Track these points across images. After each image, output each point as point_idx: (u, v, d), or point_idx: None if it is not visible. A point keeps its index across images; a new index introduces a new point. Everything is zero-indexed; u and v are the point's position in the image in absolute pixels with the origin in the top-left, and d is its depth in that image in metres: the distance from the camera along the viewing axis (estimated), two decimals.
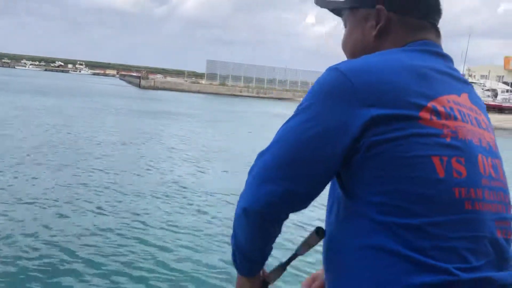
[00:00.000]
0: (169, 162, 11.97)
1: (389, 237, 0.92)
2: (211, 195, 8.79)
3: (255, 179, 1.02)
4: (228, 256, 5.80)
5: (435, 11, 1.13)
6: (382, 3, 1.10)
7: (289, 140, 1.00)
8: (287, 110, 39.71)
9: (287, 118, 1.04)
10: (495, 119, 32.95)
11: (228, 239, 6.45)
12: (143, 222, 6.88)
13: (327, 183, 1.03)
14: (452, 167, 0.93)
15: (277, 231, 1.09)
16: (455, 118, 0.98)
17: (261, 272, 1.22)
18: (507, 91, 51.28)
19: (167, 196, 8.48)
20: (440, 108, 0.97)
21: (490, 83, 52.37)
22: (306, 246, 1.16)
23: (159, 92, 60.14)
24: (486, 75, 57.84)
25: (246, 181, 1.05)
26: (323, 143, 0.96)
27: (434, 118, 0.95)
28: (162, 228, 6.69)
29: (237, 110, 35.93)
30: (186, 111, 30.18)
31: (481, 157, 0.98)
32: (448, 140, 0.95)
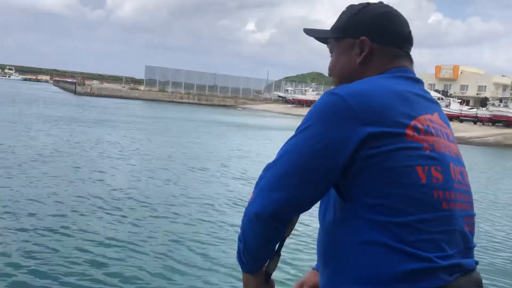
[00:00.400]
0: (111, 171, 11.49)
1: (383, 233, 1.12)
2: (149, 205, 8.50)
3: (266, 187, 1.18)
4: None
5: (409, 42, 1.33)
6: (366, 34, 1.29)
7: (297, 153, 1.16)
8: (228, 116, 39.50)
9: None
10: None
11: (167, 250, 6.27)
12: (76, 234, 6.49)
13: (329, 189, 1.21)
14: (431, 174, 1.14)
15: (284, 230, 1.24)
16: (432, 134, 1.18)
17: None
18: (439, 98, 54.32)
19: (103, 208, 8.09)
20: (420, 126, 1.17)
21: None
22: (290, 228, 1.30)
23: (97, 98, 58.22)
24: None
25: (256, 190, 1.20)
26: (328, 155, 1.14)
27: (416, 134, 1.15)
28: (100, 242, 6.34)
29: (180, 117, 35.43)
30: (128, 119, 29.35)
31: (452, 165, 1.20)
32: (427, 152, 1.16)
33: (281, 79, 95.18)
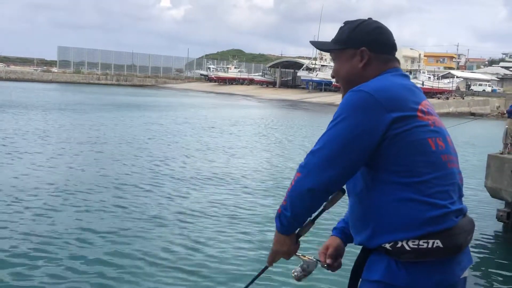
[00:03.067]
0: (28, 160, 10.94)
1: (410, 191, 1.50)
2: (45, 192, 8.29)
3: (317, 167, 1.51)
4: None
5: (395, 49, 1.75)
6: (365, 45, 1.67)
7: (341, 138, 1.50)
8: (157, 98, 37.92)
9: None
10: None
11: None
12: None
13: (364, 165, 1.56)
14: (437, 143, 1.55)
15: (325, 201, 1.61)
16: (431, 114, 1.59)
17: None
18: None
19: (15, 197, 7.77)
20: (424, 109, 1.57)
21: (333, 68, 57.11)
22: (331, 202, 1.63)
23: (5, 83, 54.14)
24: None
25: (304, 170, 1.52)
26: (365, 138, 1.49)
27: (423, 115, 1.55)
28: None
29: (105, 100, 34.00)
30: (43, 104, 27.71)
31: (447, 136, 1.62)
32: (432, 127, 1.56)
33: (202, 57, 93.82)
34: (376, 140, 1.50)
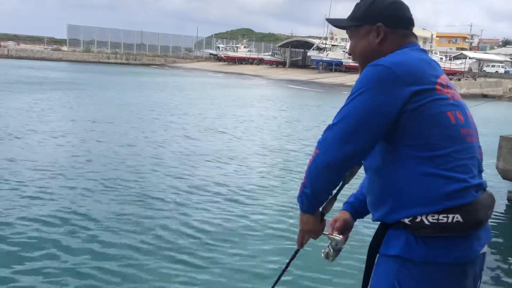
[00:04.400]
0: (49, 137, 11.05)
1: (430, 165, 1.49)
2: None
3: (335, 141, 1.49)
4: None
5: (412, 24, 1.72)
6: (381, 21, 1.66)
7: (360, 112, 1.48)
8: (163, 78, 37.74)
9: None
10: (354, 79, 35.79)
11: None
12: None
13: (382, 139, 1.54)
14: (457, 116, 1.54)
15: (345, 176, 1.59)
16: (450, 87, 1.58)
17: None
18: None
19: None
20: (443, 82, 1.56)
21: (349, 45, 56.52)
22: (350, 177, 1.62)
23: (15, 61, 54.29)
24: (346, 38, 62.40)
25: (322, 146, 1.51)
26: (384, 111, 1.48)
27: (442, 88, 1.54)
28: None
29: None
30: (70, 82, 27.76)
31: (466, 110, 1.61)
32: (451, 101, 1.55)
33: (211, 36, 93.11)
34: (395, 113, 1.49)
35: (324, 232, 1.71)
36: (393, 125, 1.50)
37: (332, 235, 1.76)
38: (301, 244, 1.74)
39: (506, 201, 8.45)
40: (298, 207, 1.64)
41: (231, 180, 8.43)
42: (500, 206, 8.26)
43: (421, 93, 1.49)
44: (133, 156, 9.70)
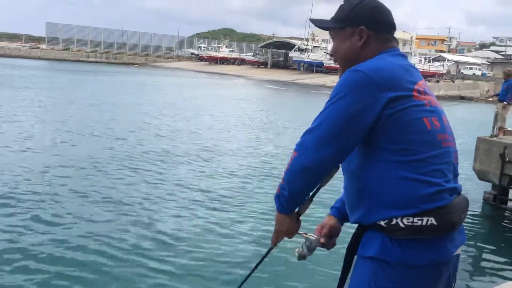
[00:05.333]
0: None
1: (406, 169, 1.52)
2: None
3: (314, 145, 1.51)
4: None
5: (394, 28, 1.74)
6: (364, 24, 1.67)
7: (338, 116, 1.51)
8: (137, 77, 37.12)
9: None
10: (335, 80, 35.93)
11: None
12: None
13: (360, 143, 1.57)
14: (433, 122, 1.56)
15: (323, 179, 1.59)
16: (427, 94, 1.60)
17: None
18: None
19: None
20: (420, 89, 1.58)
21: (331, 47, 56.95)
22: (327, 180, 1.61)
23: None
24: (328, 40, 62.81)
25: (301, 149, 1.53)
26: (362, 116, 1.50)
27: (419, 95, 1.56)
28: None
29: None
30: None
31: (443, 116, 1.63)
32: (428, 107, 1.57)
33: (193, 36, 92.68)
34: (372, 119, 1.51)
35: (298, 232, 1.74)
36: (371, 129, 1.53)
37: (307, 234, 1.78)
38: (276, 242, 1.76)
39: (482, 201, 8.61)
40: (275, 207, 1.66)
41: (205, 183, 8.31)
42: (476, 206, 8.41)
43: (398, 99, 1.52)
44: (103, 159, 9.52)
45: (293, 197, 1.60)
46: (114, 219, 6.06)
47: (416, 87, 1.57)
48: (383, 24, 1.70)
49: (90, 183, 7.58)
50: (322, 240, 1.81)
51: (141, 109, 18.16)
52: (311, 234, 1.79)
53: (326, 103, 1.56)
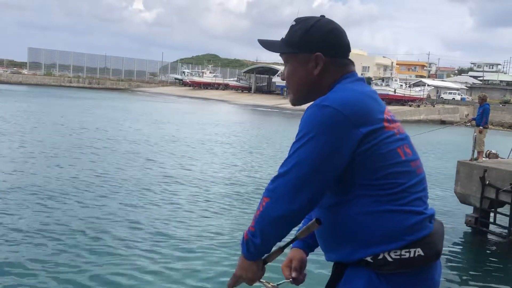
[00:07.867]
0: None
1: (387, 202, 1.45)
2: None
3: (287, 191, 1.40)
4: None
5: (349, 50, 1.60)
6: (320, 50, 1.53)
7: (310, 159, 1.39)
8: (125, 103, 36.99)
9: None
10: None
11: None
12: None
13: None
14: (405, 151, 1.50)
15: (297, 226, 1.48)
16: (394, 122, 1.53)
17: None
18: None
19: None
20: (388, 117, 1.51)
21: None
22: (306, 231, 1.51)
23: None
24: None
25: (273, 195, 1.41)
26: (336, 157, 1.41)
27: (388, 124, 1.49)
28: None
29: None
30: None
31: (410, 141, 1.57)
32: (398, 135, 1.50)
33: (177, 61, 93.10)
34: (347, 158, 1.42)
35: (261, 280, 1.59)
36: (347, 167, 1.44)
37: (270, 284, 1.64)
38: (233, 286, 1.61)
39: (464, 224, 8.64)
40: (241, 252, 1.54)
41: (178, 214, 7.97)
42: (458, 229, 8.43)
43: (372, 133, 1.43)
44: (75, 184, 9.39)
45: (264, 245, 1.49)
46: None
47: (385, 116, 1.49)
48: (340, 48, 1.57)
49: (63, 210, 7.42)
50: (293, 274, 1.68)
51: (118, 134, 17.96)
52: (273, 284, 1.65)
53: (295, 143, 1.44)
